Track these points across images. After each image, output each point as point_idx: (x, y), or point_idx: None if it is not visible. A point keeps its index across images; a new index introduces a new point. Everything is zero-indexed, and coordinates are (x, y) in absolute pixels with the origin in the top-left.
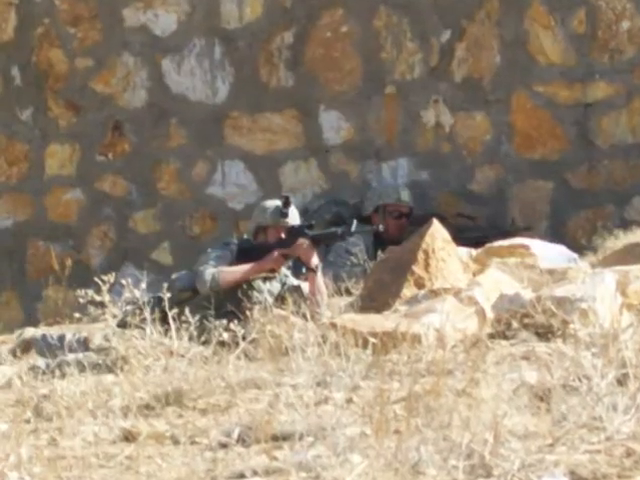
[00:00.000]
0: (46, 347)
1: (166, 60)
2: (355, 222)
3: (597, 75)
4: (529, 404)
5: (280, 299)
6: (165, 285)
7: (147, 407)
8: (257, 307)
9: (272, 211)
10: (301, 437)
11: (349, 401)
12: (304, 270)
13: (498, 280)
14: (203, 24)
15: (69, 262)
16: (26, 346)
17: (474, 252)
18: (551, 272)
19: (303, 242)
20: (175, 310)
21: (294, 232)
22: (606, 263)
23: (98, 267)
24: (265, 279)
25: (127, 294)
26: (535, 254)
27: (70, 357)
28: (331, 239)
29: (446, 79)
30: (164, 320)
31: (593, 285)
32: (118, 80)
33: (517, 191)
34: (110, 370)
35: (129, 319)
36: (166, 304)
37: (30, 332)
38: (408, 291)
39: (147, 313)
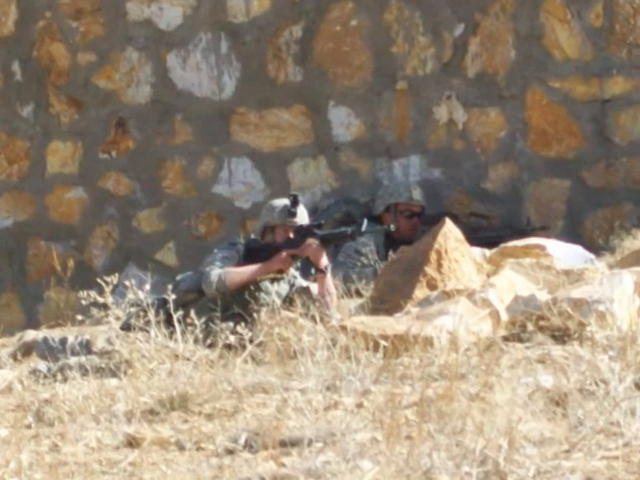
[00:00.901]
0: (47, 350)
1: (171, 55)
2: (365, 221)
3: (614, 70)
4: (545, 409)
5: (288, 301)
6: (170, 286)
7: (151, 412)
8: (265, 309)
9: (280, 210)
10: (310, 443)
11: (359, 406)
12: (313, 271)
13: (513, 281)
14: (209, 18)
15: (71, 263)
16: (27, 349)
17: (488, 252)
18: (567, 273)
19: (312, 242)
20: (180, 312)
21: (303, 232)
22: (624, 264)
23: (101, 268)
24: (273, 280)
25: (131, 296)
26: (551, 254)
27: (72, 360)
28: (341, 239)
29: (459, 74)
30: (169, 322)
31: (610, 286)
32: (122, 75)
33: (532, 190)
34: (113, 374)
35: (133, 321)
36: (171, 306)
37: (31, 335)
38: (420, 292)
39: (151, 315)
